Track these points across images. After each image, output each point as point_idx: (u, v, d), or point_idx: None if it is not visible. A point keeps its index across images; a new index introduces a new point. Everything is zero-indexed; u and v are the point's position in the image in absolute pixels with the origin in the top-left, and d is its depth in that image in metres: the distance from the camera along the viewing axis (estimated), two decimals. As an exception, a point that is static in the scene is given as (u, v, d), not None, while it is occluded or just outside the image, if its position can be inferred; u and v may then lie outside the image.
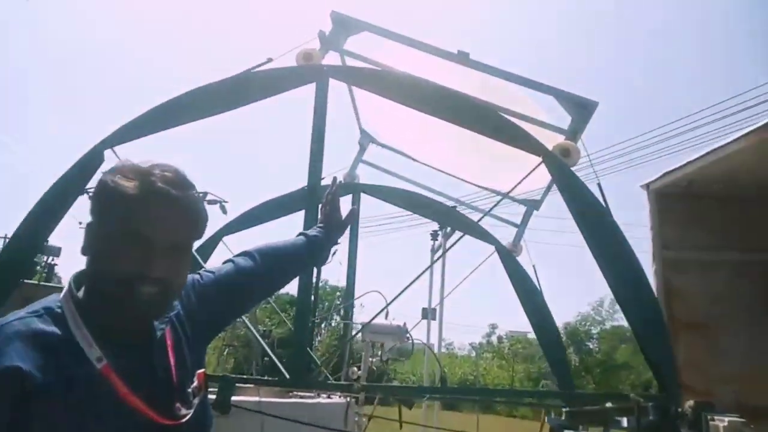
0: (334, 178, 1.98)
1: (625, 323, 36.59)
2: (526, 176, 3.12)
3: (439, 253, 8.51)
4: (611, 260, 2.68)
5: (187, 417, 1.13)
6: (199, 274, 1.41)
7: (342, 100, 4.55)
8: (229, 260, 1.50)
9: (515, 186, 3.30)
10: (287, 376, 2.76)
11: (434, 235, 11.32)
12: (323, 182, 4.49)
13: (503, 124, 2.99)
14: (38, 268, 10.56)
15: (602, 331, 34.41)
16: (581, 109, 3.10)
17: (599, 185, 2.90)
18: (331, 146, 3.31)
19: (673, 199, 4.57)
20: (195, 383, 1.20)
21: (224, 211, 18.58)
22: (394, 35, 3.40)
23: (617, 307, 36.27)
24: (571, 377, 4.56)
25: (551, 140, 3.09)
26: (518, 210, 4.91)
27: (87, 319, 1.06)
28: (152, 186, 1.08)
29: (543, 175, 4.05)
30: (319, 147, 3.12)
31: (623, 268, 2.66)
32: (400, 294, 3.23)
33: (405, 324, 3.52)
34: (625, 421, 2.94)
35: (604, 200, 2.84)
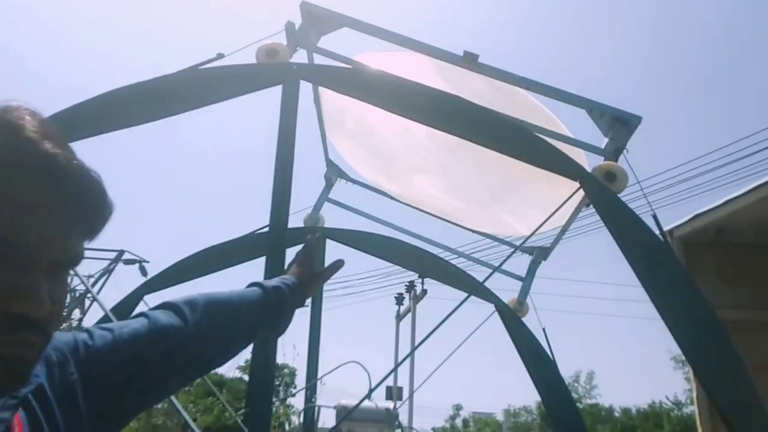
0: (321, 229, 1.58)
1: (603, 401, 36.85)
2: (559, 208, 2.74)
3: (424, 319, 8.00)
4: (681, 309, 2.32)
5: None
6: (87, 332, 0.99)
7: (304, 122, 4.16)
8: (142, 314, 1.11)
9: (539, 228, 2.91)
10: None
11: (399, 299, 10.85)
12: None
13: (530, 141, 2.63)
14: None
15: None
16: (620, 126, 2.78)
17: (655, 217, 2.55)
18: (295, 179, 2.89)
19: (702, 248, 4.32)
20: None
21: (144, 273, 17.57)
22: (381, 32, 3.05)
23: (595, 382, 36.82)
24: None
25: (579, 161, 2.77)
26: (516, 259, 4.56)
27: None
28: (45, 156, 0.71)
29: (554, 218, 3.75)
30: (286, 174, 2.66)
31: (697, 320, 2.30)
32: (389, 373, 2.73)
33: (395, 407, 2.96)
34: None
35: (663, 235, 2.49)
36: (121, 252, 18.04)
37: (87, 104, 2.65)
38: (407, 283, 10.07)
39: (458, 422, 40.26)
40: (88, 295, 17.63)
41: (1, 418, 0.74)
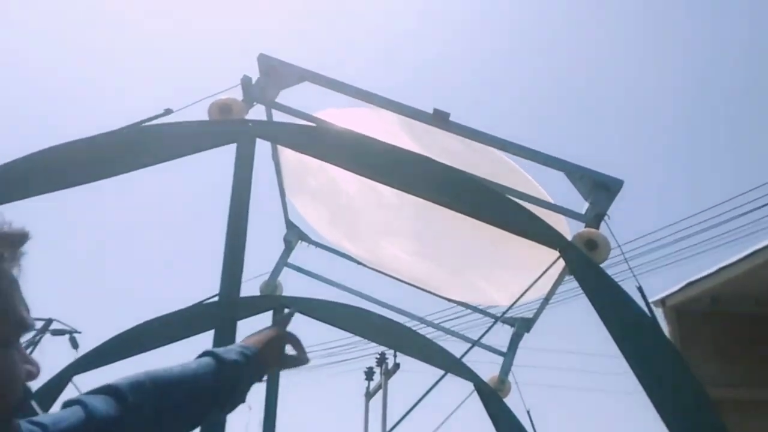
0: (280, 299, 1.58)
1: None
2: (538, 279, 2.84)
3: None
4: (668, 389, 2.40)
5: None
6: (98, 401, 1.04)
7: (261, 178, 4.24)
8: (77, 402, 1.03)
9: (519, 298, 3.01)
10: None
11: (369, 374, 10.75)
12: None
13: (506, 206, 2.75)
14: None
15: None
16: (601, 191, 2.91)
17: (640, 289, 2.65)
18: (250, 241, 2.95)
19: (697, 319, 4.46)
20: None
21: (74, 346, 16.98)
22: (344, 87, 3.18)
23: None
24: None
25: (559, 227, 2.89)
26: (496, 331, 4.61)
27: None
28: None
29: (537, 287, 3.85)
30: (239, 238, 2.72)
31: (686, 400, 2.38)
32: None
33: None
34: None
35: (649, 308, 2.59)
36: (49, 321, 17.50)
37: (16, 164, 2.69)
38: (378, 356, 10.01)
39: None
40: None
41: None
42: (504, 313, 3.19)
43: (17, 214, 0.87)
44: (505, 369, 4.23)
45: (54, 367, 4.23)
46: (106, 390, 1.07)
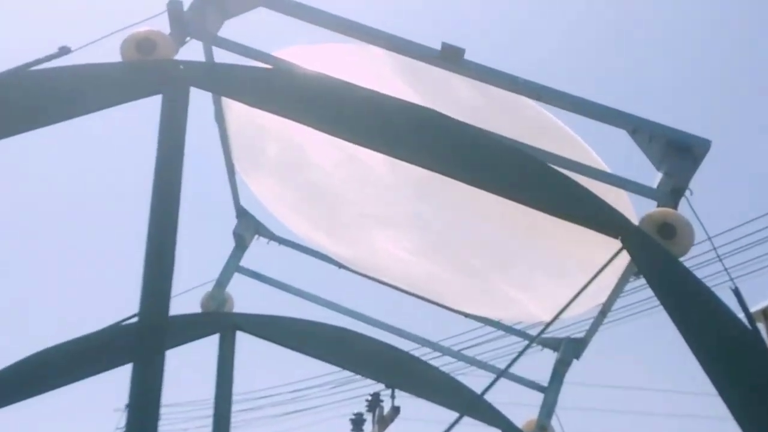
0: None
1: None
2: (591, 281, 2.76)
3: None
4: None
5: None
6: None
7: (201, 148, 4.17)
8: None
9: (563, 310, 2.94)
10: None
11: (358, 422, 10.67)
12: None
13: (545, 178, 2.68)
14: None
15: None
16: (680, 156, 2.85)
17: (736, 291, 2.60)
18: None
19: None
20: None
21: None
22: (317, 15, 3.12)
23: None
24: None
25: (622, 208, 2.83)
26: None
27: None
28: None
29: (588, 294, 3.80)
30: (166, 233, 2.64)
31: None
32: None
33: None
34: None
35: (749, 316, 2.53)
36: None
37: None
38: (369, 397, 9.93)
39: None
40: None
41: None
42: (542, 332, 3.12)
43: None
44: (547, 409, 4.19)
45: None
46: None
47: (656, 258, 2.55)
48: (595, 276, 2.76)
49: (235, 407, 5.35)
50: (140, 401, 2.44)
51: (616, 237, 2.58)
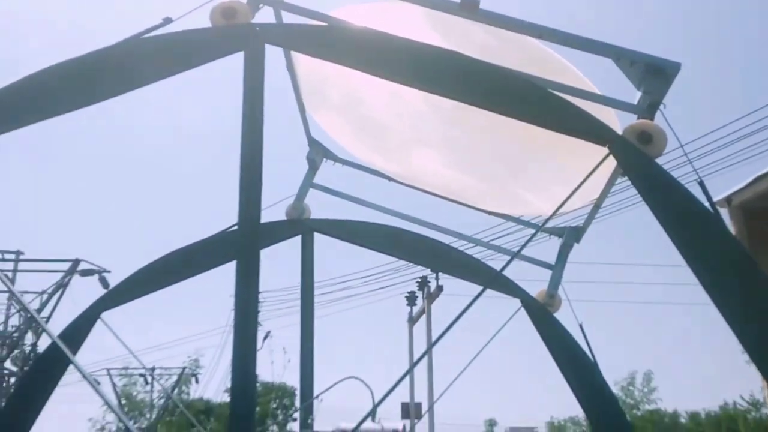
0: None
1: (665, 405, 36.91)
2: (584, 181, 2.73)
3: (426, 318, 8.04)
4: (737, 290, 2.31)
5: None
6: None
7: (278, 97, 4.13)
8: None
9: (563, 203, 2.90)
10: None
11: (411, 298, 10.86)
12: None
13: (544, 100, 2.62)
14: None
15: (636, 418, 34.31)
16: (655, 76, 2.75)
17: (702, 184, 2.54)
18: (269, 165, 2.89)
19: (765, 216, 4.30)
20: None
21: (105, 285, 17.61)
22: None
23: (653, 384, 36.77)
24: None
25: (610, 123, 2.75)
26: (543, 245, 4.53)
27: None
28: None
29: (585, 191, 3.73)
30: (254, 159, 2.66)
31: (757, 303, 2.29)
32: (393, 388, 2.75)
33: (404, 428, 2.98)
34: None
35: (712, 205, 2.48)
36: (77, 261, 18.12)
37: (26, 82, 2.65)
38: (419, 280, 10.09)
39: (492, 439, 40.59)
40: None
41: None
42: (546, 221, 3.09)
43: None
44: (554, 282, 4.17)
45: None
46: None
47: (636, 160, 2.49)
48: (588, 176, 2.72)
49: (317, 291, 5.46)
50: (243, 290, 2.51)
51: (604, 145, 2.54)
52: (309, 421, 4.30)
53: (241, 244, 2.64)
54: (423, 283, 9.85)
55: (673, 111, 2.75)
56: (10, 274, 18.64)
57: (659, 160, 2.52)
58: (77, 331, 4.12)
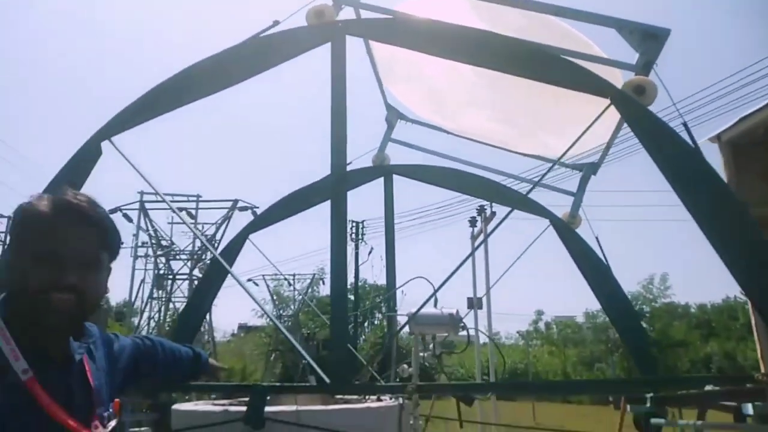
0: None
1: (678, 299, 35.39)
2: (590, 126, 2.64)
3: (482, 237, 7.98)
4: (714, 212, 2.20)
5: None
6: (141, 339, 1.69)
7: (362, 74, 4.14)
8: (149, 340, 1.73)
9: (573, 143, 2.82)
10: (327, 381, 2.36)
11: (473, 221, 10.86)
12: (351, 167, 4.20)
13: (559, 65, 2.52)
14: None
15: (655, 309, 33.18)
16: (650, 41, 2.58)
17: (685, 124, 2.39)
18: (357, 126, 2.93)
19: (750, 151, 3.98)
20: (111, 410, 1.30)
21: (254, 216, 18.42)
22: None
23: (669, 283, 35.30)
24: (654, 357, 4.00)
25: (615, 81, 2.60)
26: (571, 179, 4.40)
27: (13, 335, 1.14)
28: (62, 207, 1.20)
29: (599, 134, 3.58)
30: (340, 123, 2.70)
31: (731, 220, 2.18)
32: (448, 278, 2.83)
33: (458, 312, 3.05)
34: (749, 407, 2.47)
35: (693, 141, 2.34)
36: (236, 201, 19.21)
37: (179, 76, 2.80)
38: (478, 208, 10.07)
39: (541, 325, 40.31)
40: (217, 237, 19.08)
41: (79, 351, 1.24)
42: (562, 155, 2.99)
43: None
44: (576, 205, 4.09)
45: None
46: (152, 341, 1.73)
47: (632, 108, 2.37)
48: (594, 122, 2.63)
49: (398, 220, 5.55)
50: (335, 219, 2.58)
51: (606, 97, 2.43)
52: (395, 308, 4.48)
53: (333, 188, 2.69)
54: (481, 209, 9.77)
55: (673, 72, 2.58)
56: (193, 212, 19.98)
57: (656, 111, 2.38)
58: (233, 248, 4.40)
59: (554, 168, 3.42)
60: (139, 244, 20.97)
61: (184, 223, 19.57)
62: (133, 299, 21.40)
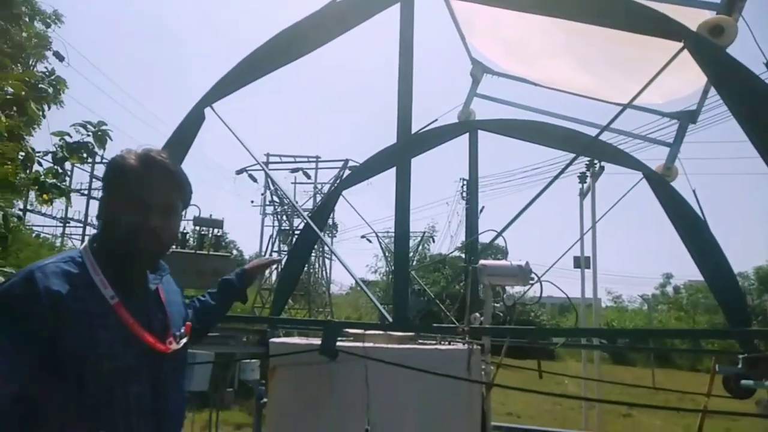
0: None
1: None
2: (658, 73, 2.50)
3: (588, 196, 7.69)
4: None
5: (176, 348, 1.50)
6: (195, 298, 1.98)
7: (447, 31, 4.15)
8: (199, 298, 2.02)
9: (641, 91, 2.66)
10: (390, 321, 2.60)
11: (582, 178, 10.40)
12: (435, 124, 4.29)
13: (632, 9, 2.39)
14: (207, 240, 11.84)
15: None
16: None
17: (767, 64, 2.20)
18: (442, 83, 2.99)
19: None
20: (183, 330, 1.57)
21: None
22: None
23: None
24: (750, 320, 3.73)
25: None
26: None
27: (101, 267, 1.39)
28: (149, 162, 1.45)
29: (691, 81, 3.33)
30: (407, 90, 2.71)
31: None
32: (516, 218, 2.84)
33: (527, 264, 3.10)
34: None
35: (777, 84, 2.14)
36: (346, 161, 20.18)
37: (267, 44, 3.02)
38: (587, 163, 9.59)
39: (669, 289, 37.54)
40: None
41: (154, 282, 1.51)
42: (632, 99, 2.78)
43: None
44: (672, 157, 3.85)
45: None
46: (205, 297, 2.04)
47: (707, 50, 2.22)
48: (664, 67, 2.48)
49: (504, 177, 5.51)
50: (401, 189, 2.63)
51: (679, 41, 2.29)
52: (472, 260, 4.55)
53: (398, 153, 2.76)
54: (591, 164, 9.31)
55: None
56: (311, 172, 21.26)
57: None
58: (327, 204, 4.74)
59: (650, 119, 3.26)
60: (267, 202, 22.84)
61: (277, 186, 20.80)
62: (263, 253, 23.51)
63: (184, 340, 1.54)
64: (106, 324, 1.32)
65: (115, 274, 1.39)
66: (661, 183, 3.91)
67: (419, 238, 27.41)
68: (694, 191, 3.75)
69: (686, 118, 3.73)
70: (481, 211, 4.42)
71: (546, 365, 3.19)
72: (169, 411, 1.47)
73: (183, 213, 1.55)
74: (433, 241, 28.17)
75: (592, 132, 4.39)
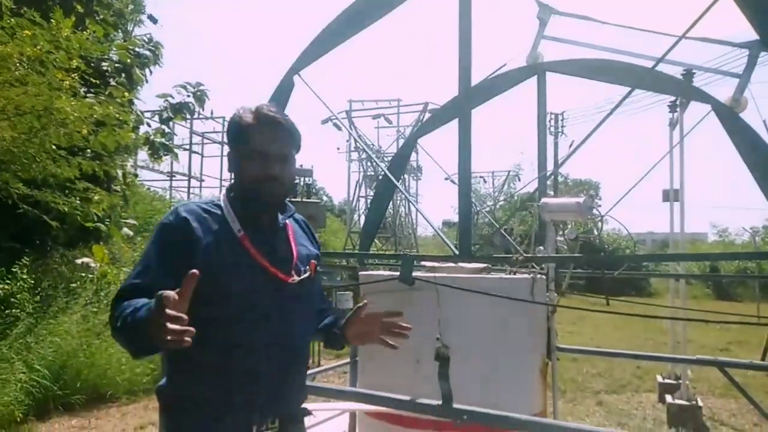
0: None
1: None
2: (711, 5, 2.56)
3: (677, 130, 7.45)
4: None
5: (296, 280, 1.60)
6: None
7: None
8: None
9: (698, 19, 2.69)
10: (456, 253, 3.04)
11: (672, 107, 9.91)
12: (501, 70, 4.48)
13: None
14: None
15: None
16: None
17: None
18: (512, 28, 3.17)
19: None
20: (308, 266, 1.67)
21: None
22: None
23: None
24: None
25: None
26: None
27: (234, 208, 1.60)
28: (263, 117, 1.59)
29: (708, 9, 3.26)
30: (466, 45, 2.80)
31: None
32: (586, 138, 2.99)
33: (585, 200, 3.35)
34: None
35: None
36: (426, 104, 20.24)
37: (346, 10, 3.35)
38: (669, 104, 9.15)
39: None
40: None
41: (283, 220, 1.65)
42: (687, 31, 2.75)
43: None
44: (741, 88, 3.81)
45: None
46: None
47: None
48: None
49: (591, 112, 5.55)
50: (463, 139, 2.78)
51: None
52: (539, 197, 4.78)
53: (459, 106, 2.93)
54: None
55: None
56: (393, 117, 21.69)
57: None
58: (403, 153, 5.12)
59: (721, 50, 3.28)
60: (352, 149, 23.62)
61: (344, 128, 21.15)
62: (351, 198, 24.55)
63: (306, 275, 1.64)
64: (233, 251, 1.51)
65: (245, 215, 1.58)
66: (729, 115, 3.91)
67: (504, 177, 27.13)
68: (765, 122, 3.76)
69: (756, 47, 3.69)
70: (570, 145, 4.50)
71: (641, 301, 3.45)
72: (294, 342, 1.61)
73: (296, 158, 1.70)
74: (519, 180, 27.70)
75: (661, 68, 4.41)
